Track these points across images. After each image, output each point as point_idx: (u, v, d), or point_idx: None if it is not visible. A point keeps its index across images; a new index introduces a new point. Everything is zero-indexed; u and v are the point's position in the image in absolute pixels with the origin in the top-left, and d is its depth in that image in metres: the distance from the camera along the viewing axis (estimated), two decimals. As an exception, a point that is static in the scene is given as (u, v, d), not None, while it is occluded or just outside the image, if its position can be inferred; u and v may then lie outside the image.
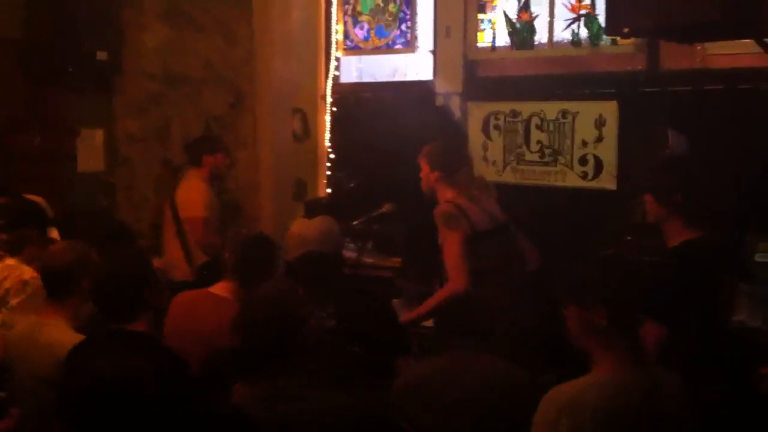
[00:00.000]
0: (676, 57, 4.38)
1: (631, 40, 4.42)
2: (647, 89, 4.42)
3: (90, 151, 5.64)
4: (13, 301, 3.39)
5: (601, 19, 4.49)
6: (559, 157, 4.68)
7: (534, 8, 4.86)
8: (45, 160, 5.27)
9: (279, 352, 2.36)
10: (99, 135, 5.70)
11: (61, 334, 2.93)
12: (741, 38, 3.90)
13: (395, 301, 4.05)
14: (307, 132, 5.60)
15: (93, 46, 5.31)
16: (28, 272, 3.45)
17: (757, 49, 3.82)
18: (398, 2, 5.37)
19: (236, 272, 3.28)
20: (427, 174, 3.79)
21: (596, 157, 4.54)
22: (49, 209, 4.00)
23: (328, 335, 2.58)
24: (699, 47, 4.29)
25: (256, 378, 2.36)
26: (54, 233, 4.01)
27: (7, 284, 3.42)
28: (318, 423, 2.20)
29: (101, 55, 5.29)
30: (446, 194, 3.71)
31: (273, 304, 2.46)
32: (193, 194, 4.88)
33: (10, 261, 3.51)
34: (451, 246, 3.48)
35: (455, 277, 3.40)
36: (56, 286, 3.04)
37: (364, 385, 2.43)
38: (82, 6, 5.28)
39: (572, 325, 2.20)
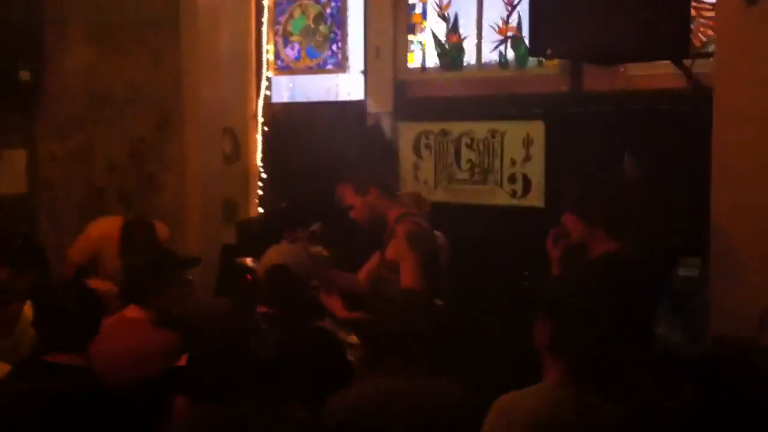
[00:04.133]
0: (599, 79, 4.51)
1: (556, 62, 4.54)
2: (572, 110, 4.54)
3: (12, 173, 5.46)
4: None
5: (528, 41, 4.60)
6: (489, 176, 4.75)
7: (462, 30, 4.95)
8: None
9: (224, 370, 2.33)
10: (21, 156, 5.54)
11: None
12: (660, 60, 4.05)
13: (325, 322, 4.03)
14: (237, 152, 5.55)
15: (15, 65, 5.17)
16: None
17: (676, 71, 3.97)
18: (329, 23, 5.40)
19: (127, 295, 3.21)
20: (362, 200, 3.63)
21: (525, 176, 4.63)
22: None
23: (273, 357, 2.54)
24: (621, 69, 4.43)
25: (202, 398, 2.33)
26: None
27: None
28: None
29: (24, 75, 5.16)
30: (395, 211, 3.58)
31: (218, 320, 2.45)
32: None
33: None
34: (412, 268, 3.35)
35: None
36: None
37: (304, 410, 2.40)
38: (2, 25, 5.14)
39: (535, 335, 2.26)
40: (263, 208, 5.52)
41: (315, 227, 4.28)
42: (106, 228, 4.53)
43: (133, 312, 3.21)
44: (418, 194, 4.30)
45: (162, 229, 4.60)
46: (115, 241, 4.34)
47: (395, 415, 2.41)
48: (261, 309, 3.06)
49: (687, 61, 3.91)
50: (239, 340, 2.43)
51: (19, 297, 3.11)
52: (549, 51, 3.72)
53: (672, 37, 3.60)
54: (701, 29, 4.16)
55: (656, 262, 3.48)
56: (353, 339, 3.64)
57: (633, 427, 2.30)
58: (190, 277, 4.49)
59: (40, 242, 5.38)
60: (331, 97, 5.53)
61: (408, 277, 3.35)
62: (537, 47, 3.80)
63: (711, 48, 3.98)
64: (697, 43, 4.13)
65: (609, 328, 2.35)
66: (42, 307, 2.71)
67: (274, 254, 3.27)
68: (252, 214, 5.57)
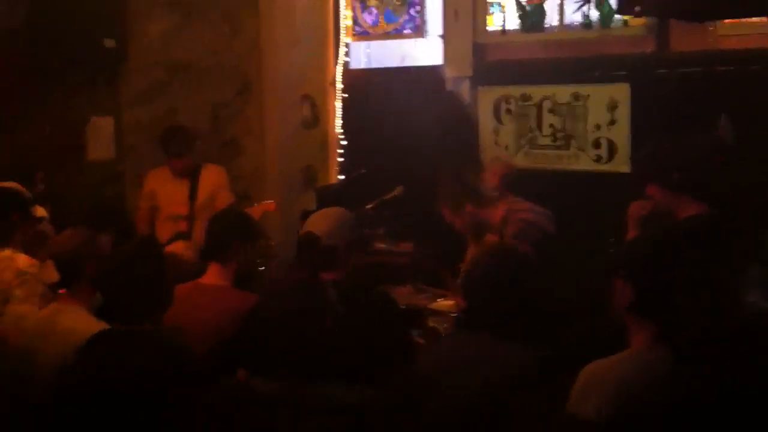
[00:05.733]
0: (687, 38, 4.37)
1: (642, 21, 4.41)
2: (659, 71, 4.41)
3: (100, 139, 5.61)
4: (17, 293, 3.35)
5: (612, 0, 4.48)
6: (572, 141, 4.67)
7: (544, -10, 4.85)
8: (55, 150, 5.25)
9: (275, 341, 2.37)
10: (109, 123, 5.67)
11: (78, 320, 2.92)
12: (752, 16, 3.90)
13: (403, 288, 4.04)
14: (317, 119, 5.59)
15: (99, 34, 5.28)
16: (23, 260, 3.40)
17: (768, 29, 3.82)
18: (406, -14, 5.36)
19: (207, 253, 3.28)
20: (460, 216, 3.82)
21: (609, 140, 4.54)
22: (25, 191, 3.91)
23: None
24: (710, 28, 4.28)
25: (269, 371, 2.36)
26: (40, 211, 3.97)
27: (5, 276, 3.38)
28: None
29: (109, 43, 5.25)
30: (496, 214, 3.76)
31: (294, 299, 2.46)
32: None
33: (5, 252, 3.45)
34: None
35: None
36: (65, 274, 3.03)
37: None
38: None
39: (615, 299, 2.23)
40: (342, 174, 5.54)
41: (397, 191, 4.31)
42: (156, 176, 4.95)
43: (210, 278, 3.27)
44: (502, 161, 4.29)
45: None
46: (166, 186, 4.83)
47: (477, 379, 2.41)
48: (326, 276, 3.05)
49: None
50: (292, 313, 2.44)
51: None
52: (637, 8, 3.61)
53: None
54: (798, -15, 3.98)
55: (747, 226, 3.38)
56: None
57: (724, 390, 2.25)
58: (272, 242, 4.61)
59: (125, 205, 5.58)
60: (409, 63, 5.50)
61: None
62: (625, 5, 3.68)
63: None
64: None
65: (694, 289, 2.30)
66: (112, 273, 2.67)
67: (313, 219, 3.25)
68: (331, 180, 5.61)
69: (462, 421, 2.24)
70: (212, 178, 4.92)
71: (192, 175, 4.86)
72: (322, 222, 3.12)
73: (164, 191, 4.89)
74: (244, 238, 3.30)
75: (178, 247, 4.60)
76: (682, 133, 3.51)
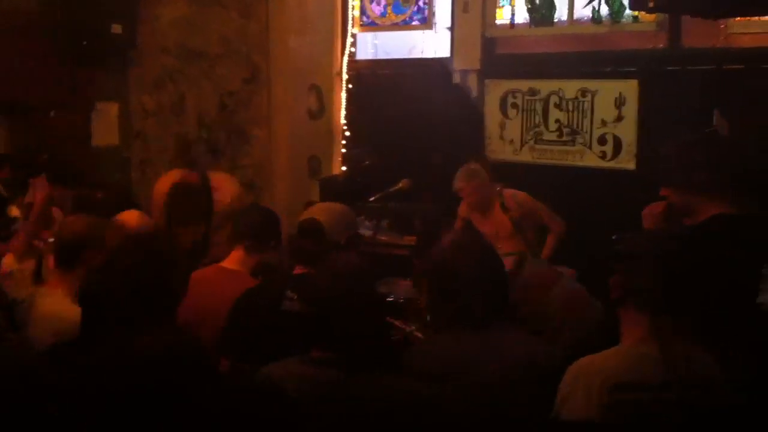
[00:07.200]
0: (698, 35, 4.33)
1: (653, 17, 4.37)
2: (669, 67, 4.37)
3: (105, 125, 5.61)
4: None
5: (623, -4, 4.45)
6: (578, 137, 4.63)
7: (554, -16, 4.80)
8: (60, 135, 5.25)
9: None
10: (114, 109, 5.67)
11: (58, 305, 2.89)
12: (764, 14, 3.86)
13: (408, 281, 4.01)
14: (323, 109, 5.56)
15: (108, 19, 5.26)
16: None
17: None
18: (416, -23, 5.32)
19: (238, 239, 3.23)
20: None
21: (615, 137, 4.50)
22: (2, 189, 3.87)
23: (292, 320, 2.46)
24: (722, 25, 4.23)
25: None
26: (14, 211, 3.95)
27: None
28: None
29: (116, 29, 5.24)
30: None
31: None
32: None
33: None
34: None
35: None
36: (64, 256, 3.01)
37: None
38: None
39: (611, 293, 2.20)
40: (347, 165, 5.52)
41: (402, 184, 4.29)
42: (162, 182, 4.61)
43: (231, 262, 3.24)
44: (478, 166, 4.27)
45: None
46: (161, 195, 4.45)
47: (489, 367, 2.38)
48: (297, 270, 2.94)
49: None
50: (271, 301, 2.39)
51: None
52: (651, 3, 3.56)
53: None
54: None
55: (761, 226, 3.33)
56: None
57: (729, 383, 2.21)
58: None
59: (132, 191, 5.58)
60: (417, 54, 5.46)
61: None
62: (638, 0, 3.64)
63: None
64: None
65: (700, 286, 2.25)
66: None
67: (316, 211, 3.19)
68: (335, 171, 5.58)
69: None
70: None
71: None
72: (325, 216, 3.03)
73: (156, 210, 4.53)
74: (277, 242, 3.27)
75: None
76: (679, 132, 3.46)
